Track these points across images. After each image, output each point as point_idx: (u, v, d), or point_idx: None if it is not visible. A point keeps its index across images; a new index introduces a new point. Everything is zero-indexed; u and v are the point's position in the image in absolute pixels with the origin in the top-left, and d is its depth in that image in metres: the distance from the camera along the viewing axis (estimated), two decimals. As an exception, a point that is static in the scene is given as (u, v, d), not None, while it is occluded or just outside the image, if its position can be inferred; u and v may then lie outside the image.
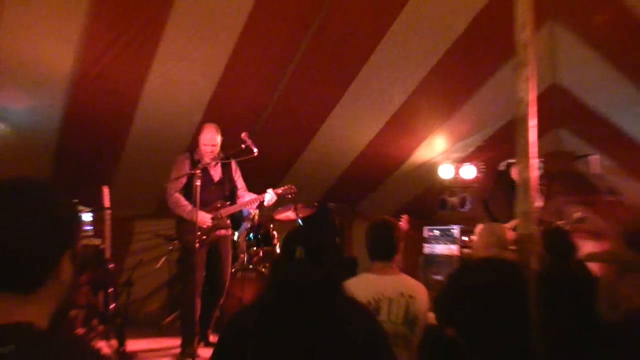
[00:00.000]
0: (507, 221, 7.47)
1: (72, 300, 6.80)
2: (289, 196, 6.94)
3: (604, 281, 2.26)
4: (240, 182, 6.93)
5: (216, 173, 6.72)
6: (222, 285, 6.82)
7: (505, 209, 7.43)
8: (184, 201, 6.46)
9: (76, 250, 1.56)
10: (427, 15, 7.04)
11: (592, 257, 2.68)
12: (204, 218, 6.44)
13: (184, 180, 6.51)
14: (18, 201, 1.48)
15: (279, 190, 6.77)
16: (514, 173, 7.73)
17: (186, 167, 6.51)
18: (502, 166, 8.09)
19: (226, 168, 6.80)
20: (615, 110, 8.25)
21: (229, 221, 6.90)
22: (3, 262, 1.44)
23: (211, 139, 6.56)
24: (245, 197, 6.85)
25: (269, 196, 6.70)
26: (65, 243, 1.54)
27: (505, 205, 7.49)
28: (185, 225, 6.38)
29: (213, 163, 6.63)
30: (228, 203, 6.76)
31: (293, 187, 6.89)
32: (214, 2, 6.48)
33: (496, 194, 8.00)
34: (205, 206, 6.43)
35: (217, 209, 6.61)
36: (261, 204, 6.80)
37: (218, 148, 6.63)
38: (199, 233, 6.28)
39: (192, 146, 6.95)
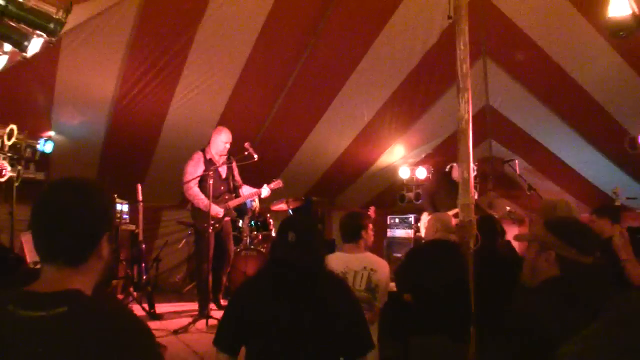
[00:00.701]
0: (447, 210, 7.62)
1: (113, 272, 6.78)
2: (278, 187, 6.85)
3: (527, 257, 2.27)
4: (238, 178, 6.82)
5: (223, 171, 6.60)
6: (229, 257, 6.77)
7: (445, 201, 7.52)
8: (202, 195, 6.33)
9: (112, 233, 1.56)
10: (390, 52, 7.07)
11: (519, 237, 2.69)
12: (218, 211, 6.34)
13: (200, 174, 6.35)
14: (73, 195, 1.49)
15: (271, 185, 6.71)
16: (454, 173, 7.84)
17: (201, 164, 6.40)
18: (448, 168, 8.13)
19: (229, 167, 6.68)
20: (532, 125, 8.30)
21: (233, 210, 6.81)
22: (61, 239, 1.46)
23: (229, 138, 6.46)
24: (245, 191, 6.78)
25: (265, 190, 6.67)
26: (105, 226, 1.54)
27: (446, 198, 7.61)
28: (201, 215, 6.30)
29: (222, 162, 6.53)
30: (234, 195, 6.67)
31: (280, 181, 6.81)
32: (222, 43, 6.48)
33: (439, 190, 8.08)
34: (216, 198, 6.34)
35: (226, 201, 6.52)
36: (259, 196, 6.80)
37: None
38: (212, 222, 6.22)
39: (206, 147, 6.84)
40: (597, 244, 2.29)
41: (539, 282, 2.19)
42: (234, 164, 6.69)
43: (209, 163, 6.38)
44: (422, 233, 7.98)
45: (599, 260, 3.23)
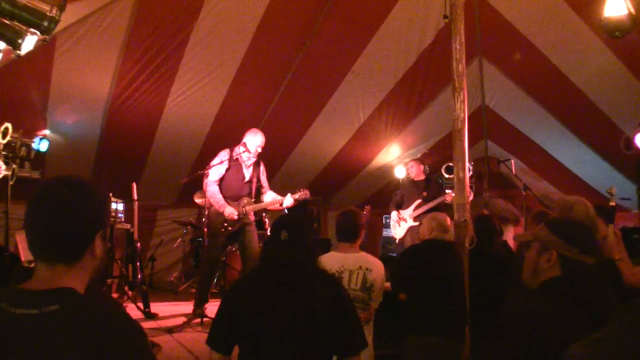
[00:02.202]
0: (407, 207, 7.74)
1: (108, 271, 6.77)
2: (305, 199, 6.43)
3: (528, 257, 2.25)
4: (265, 182, 6.51)
5: (247, 172, 6.35)
6: (254, 259, 6.13)
7: (406, 198, 7.85)
8: (220, 194, 6.14)
9: (106, 232, 1.56)
10: (384, 53, 7.08)
11: (519, 236, 2.68)
12: (232, 213, 6.11)
13: (222, 173, 6.15)
14: (68, 192, 1.49)
15: (296, 196, 6.26)
16: (411, 172, 7.87)
17: (225, 162, 6.19)
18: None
19: (255, 169, 6.41)
20: (527, 125, 8.33)
21: (252, 216, 6.38)
22: (55, 237, 1.46)
23: (263, 142, 6.24)
24: (268, 197, 6.40)
25: (288, 200, 6.24)
26: (99, 224, 1.55)
27: (407, 196, 7.87)
28: (215, 215, 6.19)
29: (247, 163, 6.28)
30: (253, 200, 6.35)
31: (307, 192, 6.35)
32: (218, 42, 6.48)
33: (401, 189, 8.19)
34: (234, 200, 6.18)
35: (245, 204, 6.21)
36: (280, 205, 6.36)
37: None
38: (225, 224, 6.13)
39: (203, 147, 6.73)
40: (599, 244, 2.28)
41: (540, 283, 2.18)
42: (262, 167, 6.50)
43: (233, 162, 6.24)
44: (393, 233, 8.02)
45: (600, 258, 3.25)
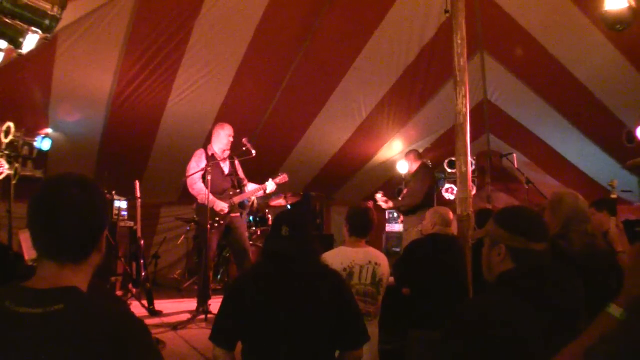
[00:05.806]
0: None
1: (112, 269, 6.78)
2: (284, 182, 6.66)
3: (483, 253, 2.23)
4: (242, 175, 6.65)
5: (225, 167, 6.46)
6: (245, 252, 6.34)
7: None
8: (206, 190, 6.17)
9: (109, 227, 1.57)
10: (387, 46, 7.07)
11: (474, 234, 2.67)
12: (223, 207, 6.19)
13: (203, 169, 6.20)
14: (78, 190, 1.48)
15: (277, 180, 6.51)
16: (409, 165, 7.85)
17: (204, 160, 6.27)
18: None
19: (232, 163, 6.54)
20: (529, 119, 8.32)
21: (238, 206, 6.53)
22: (68, 239, 1.45)
23: (232, 131, 6.38)
24: (249, 187, 6.59)
25: (271, 185, 6.47)
26: (106, 222, 1.56)
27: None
28: (205, 211, 6.19)
29: (223, 158, 6.38)
30: (238, 191, 6.47)
31: (285, 175, 6.60)
32: (219, 38, 6.48)
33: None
34: (220, 194, 6.24)
35: (230, 196, 6.33)
36: (264, 191, 6.56)
37: None
38: (217, 218, 6.16)
39: (205, 143, 6.78)
40: (548, 230, 2.25)
41: (495, 277, 2.16)
42: (237, 161, 6.59)
43: (211, 159, 6.30)
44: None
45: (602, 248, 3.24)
